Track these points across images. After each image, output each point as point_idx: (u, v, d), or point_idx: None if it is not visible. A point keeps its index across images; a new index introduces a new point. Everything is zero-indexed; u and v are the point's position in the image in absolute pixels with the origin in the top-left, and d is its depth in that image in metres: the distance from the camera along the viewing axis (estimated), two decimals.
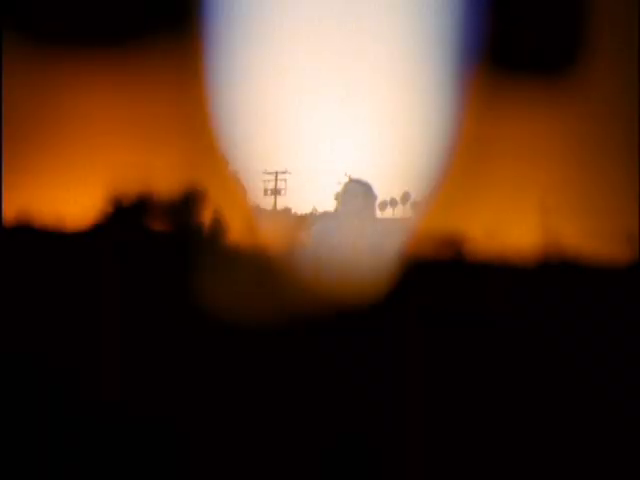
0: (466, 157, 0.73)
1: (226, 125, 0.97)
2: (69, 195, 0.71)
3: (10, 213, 0.70)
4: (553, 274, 0.69)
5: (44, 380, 0.73)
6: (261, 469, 0.88)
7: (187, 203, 0.82)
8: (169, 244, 0.79)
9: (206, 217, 0.79)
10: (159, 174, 0.81)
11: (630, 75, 0.71)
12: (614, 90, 0.72)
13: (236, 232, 0.89)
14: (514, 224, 0.69)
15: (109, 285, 0.75)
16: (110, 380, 0.73)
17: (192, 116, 0.92)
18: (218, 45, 0.85)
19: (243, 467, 0.85)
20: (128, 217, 0.76)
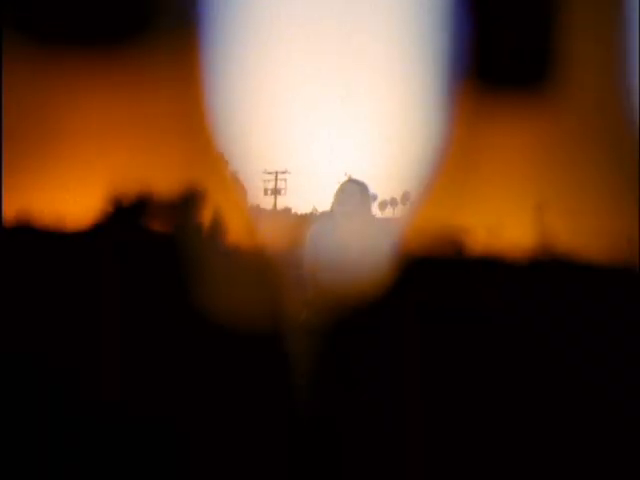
0: (464, 156, 0.73)
1: (226, 125, 0.98)
2: (69, 195, 0.71)
3: (9, 213, 0.69)
4: (549, 272, 0.69)
5: (44, 380, 0.73)
6: (261, 469, 0.89)
7: (187, 203, 0.82)
8: (169, 244, 0.79)
9: (206, 217, 0.79)
10: (159, 174, 0.81)
11: (625, 77, 0.71)
12: (609, 91, 0.72)
13: (235, 232, 0.89)
14: (511, 221, 0.69)
15: (109, 285, 0.75)
16: (110, 380, 0.74)
17: (192, 116, 0.93)
18: (217, 45, 0.85)
19: (243, 467, 0.85)
20: (128, 217, 0.76)
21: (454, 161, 0.66)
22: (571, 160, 0.63)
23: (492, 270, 0.60)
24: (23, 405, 0.58)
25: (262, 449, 0.72)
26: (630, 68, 0.65)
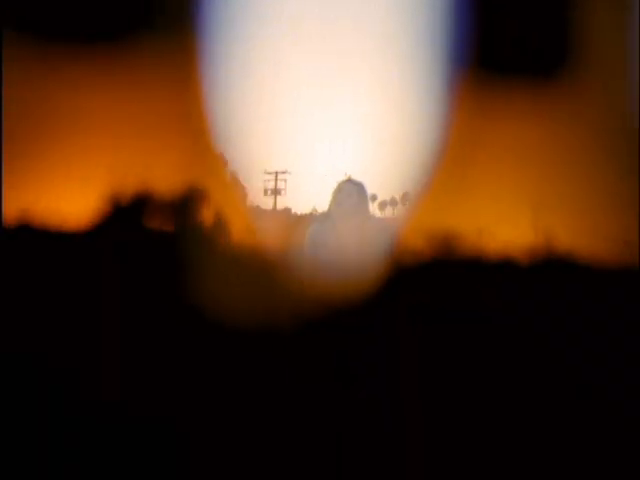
0: (462, 156, 0.73)
1: (226, 125, 0.97)
2: (69, 195, 0.71)
3: (10, 213, 0.69)
4: (549, 273, 0.68)
5: (44, 380, 0.73)
6: (260, 468, 0.88)
7: (186, 203, 0.81)
8: (168, 244, 0.78)
9: (205, 217, 0.79)
10: (159, 174, 0.81)
11: (625, 75, 0.71)
12: (609, 89, 0.71)
13: (235, 232, 0.88)
14: (509, 223, 0.68)
15: (109, 285, 0.75)
16: (110, 380, 0.73)
17: (192, 116, 0.92)
18: (217, 47, 0.85)
19: (242, 467, 0.85)
20: (127, 217, 0.76)
21: (454, 161, 0.66)
22: (571, 160, 0.63)
23: (491, 270, 0.60)
24: (23, 404, 0.58)
25: (261, 446, 0.72)
26: (635, 68, 0.65)
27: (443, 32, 0.74)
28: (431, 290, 0.75)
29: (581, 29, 0.69)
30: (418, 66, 0.85)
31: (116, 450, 0.73)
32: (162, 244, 0.77)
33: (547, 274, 0.68)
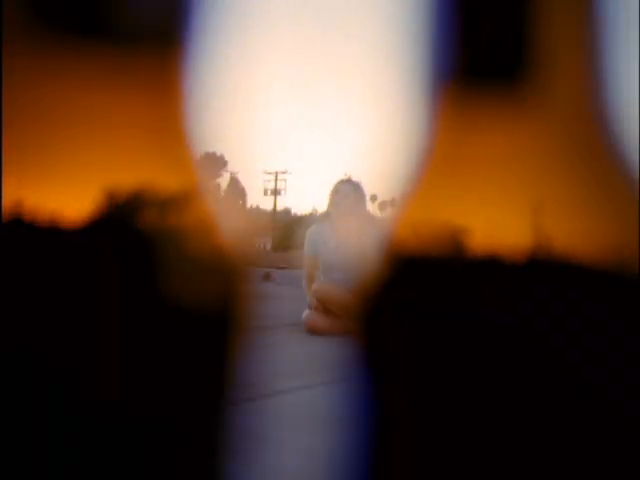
0: (459, 154, 0.72)
1: (224, 126, 0.98)
2: (64, 193, 0.70)
3: (6, 210, 0.69)
4: (545, 274, 0.68)
5: (43, 380, 0.73)
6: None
7: (181, 203, 0.82)
8: (165, 243, 0.79)
9: (199, 217, 0.79)
10: (154, 174, 0.81)
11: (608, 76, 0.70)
12: (598, 91, 0.71)
13: (228, 233, 0.89)
14: (506, 221, 0.68)
15: (107, 284, 0.74)
16: (110, 380, 0.73)
17: (189, 117, 0.93)
18: (215, 48, 0.85)
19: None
20: (124, 216, 0.76)
21: (450, 160, 0.66)
22: (566, 159, 0.63)
23: (488, 270, 0.60)
24: (23, 405, 0.58)
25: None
26: (613, 69, 0.65)
27: (430, 34, 0.74)
28: (428, 289, 0.75)
29: (557, 33, 0.68)
30: (408, 66, 0.85)
31: (116, 450, 0.73)
32: (159, 244, 0.77)
33: (544, 275, 0.67)
